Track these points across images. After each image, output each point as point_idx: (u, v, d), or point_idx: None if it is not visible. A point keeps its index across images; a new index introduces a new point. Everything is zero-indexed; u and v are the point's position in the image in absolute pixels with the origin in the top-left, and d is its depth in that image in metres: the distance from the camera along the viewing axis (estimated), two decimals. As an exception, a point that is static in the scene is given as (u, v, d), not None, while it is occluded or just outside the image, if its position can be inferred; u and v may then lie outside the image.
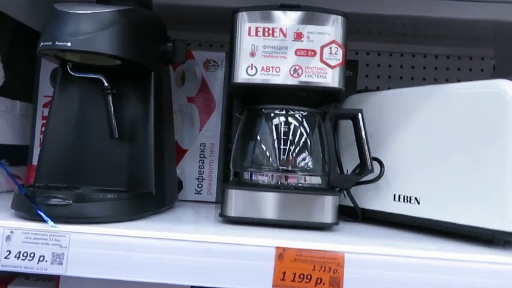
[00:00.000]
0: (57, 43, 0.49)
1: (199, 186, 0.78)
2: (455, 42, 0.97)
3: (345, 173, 0.63)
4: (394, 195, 0.59)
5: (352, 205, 0.62)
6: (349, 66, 0.83)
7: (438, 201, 0.54)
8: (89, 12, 0.50)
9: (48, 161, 0.58)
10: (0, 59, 0.72)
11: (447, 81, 1.01)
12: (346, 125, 0.63)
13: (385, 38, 0.98)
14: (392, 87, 1.01)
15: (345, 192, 0.62)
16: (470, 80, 0.99)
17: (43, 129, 0.73)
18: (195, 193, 0.77)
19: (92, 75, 0.56)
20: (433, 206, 0.54)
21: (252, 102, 0.61)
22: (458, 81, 1.01)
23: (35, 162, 0.74)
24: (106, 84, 0.56)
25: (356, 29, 0.93)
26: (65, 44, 0.48)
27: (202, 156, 0.78)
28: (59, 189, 0.53)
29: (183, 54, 0.64)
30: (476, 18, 0.79)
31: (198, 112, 0.78)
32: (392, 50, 1.02)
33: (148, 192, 0.56)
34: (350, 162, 0.62)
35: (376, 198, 0.61)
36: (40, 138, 0.76)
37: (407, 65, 1.02)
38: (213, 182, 0.78)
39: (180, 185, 0.74)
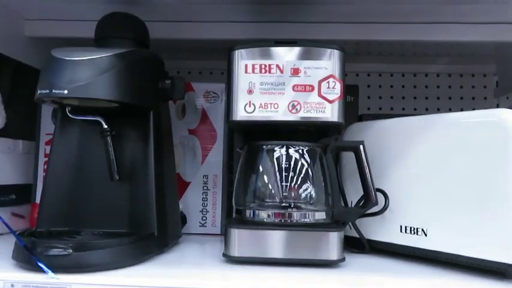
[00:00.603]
0: (54, 91, 0.49)
1: (204, 218, 0.77)
2: (456, 60, 0.97)
3: (350, 204, 0.62)
4: (401, 226, 0.58)
5: (359, 236, 0.61)
6: (350, 91, 0.82)
7: (446, 232, 0.53)
8: (85, 58, 0.50)
9: (50, 205, 0.58)
10: (1, 101, 0.72)
11: (450, 99, 1.01)
12: (349, 154, 0.62)
13: (385, 59, 0.98)
14: (395, 107, 1.02)
15: (350, 223, 0.61)
16: (473, 97, 1.00)
17: (45, 167, 0.73)
18: (200, 226, 0.77)
19: (90, 118, 0.56)
20: (440, 238, 0.53)
21: (252, 137, 0.60)
22: (461, 98, 1.01)
23: (38, 200, 0.73)
24: (105, 126, 0.56)
25: (355, 51, 0.93)
26: (62, 91, 0.49)
27: (205, 188, 0.77)
28: (60, 235, 0.53)
29: (181, 90, 0.64)
30: (474, 40, 0.78)
31: (199, 144, 0.78)
32: (393, 70, 1.01)
33: (150, 234, 0.56)
34: (354, 192, 0.61)
35: (382, 230, 0.60)
36: (43, 176, 0.76)
37: (409, 84, 1.02)
38: (217, 214, 0.77)
39: (183, 220, 0.73)
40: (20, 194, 0.76)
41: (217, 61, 0.96)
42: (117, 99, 0.52)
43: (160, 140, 0.60)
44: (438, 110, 1.00)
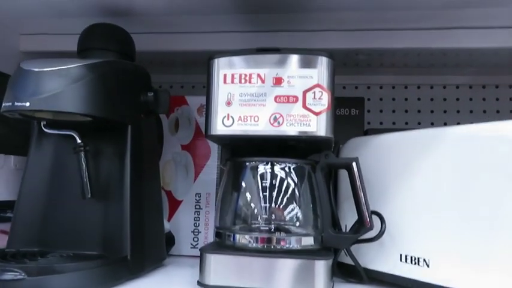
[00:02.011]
0: (16, 103, 0.46)
1: (195, 239, 0.72)
2: (478, 71, 0.89)
3: (344, 228, 0.56)
4: (401, 255, 0.51)
5: (355, 264, 0.54)
6: (355, 104, 0.77)
7: (451, 265, 0.46)
8: (51, 69, 0.48)
9: (22, 224, 0.55)
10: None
11: (471, 112, 0.92)
12: (345, 174, 0.56)
13: (399, 70, 0.91)
14: (410, 122, 0.95)
15: (345, 250, 0.55)
16: (498, 110, 0.91)
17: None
18: (191, 247, 0.72)
19: (64, 132, 0.53)
20: (445, 271, 0.46)
21: (239, 153, 0.56)
22: (484, 112, 0.92)
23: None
24: (79, 141, 0.53)
25: (367, 62, 0.87)
26: (24, 104, 0.46)
27: (197, 207, 0.73)
28: (24, 256, 0.49)
29: (165, 103, 0.60)
30: (498, 47, 0.71)
31: (192, 160, 0.74)
32: (408, 82, 0.95)
33: (122, 258, 0.52)
34: (351, 215, 0.55)
35: (380, 258, 0.53)
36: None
37: (426, 97, 0.94)
38: (209, 234, 0.72)
39: (171, 241, 0.69)
40: (9, 210, 0.74)
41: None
42: (85, 112, 0.49)
43: (139, 157, 0.57)
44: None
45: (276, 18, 0.69)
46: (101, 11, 0.68)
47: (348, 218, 0.57)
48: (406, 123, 0.94)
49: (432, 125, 0.93)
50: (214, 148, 0.73)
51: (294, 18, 0.69)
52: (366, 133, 0.74)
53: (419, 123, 0.93)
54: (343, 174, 0.59)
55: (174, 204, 0.73)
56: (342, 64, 0.87)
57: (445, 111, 0.93)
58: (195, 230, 0.72)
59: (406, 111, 0.94)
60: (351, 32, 0.73)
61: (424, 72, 0.91)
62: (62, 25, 0.74)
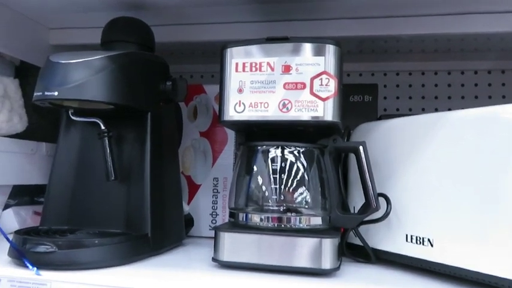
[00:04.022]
0: (46, 93, 0.50)
1: (213, 222, 0.76)
2: (497, 55, 0.88)
3: (353, 210, 0.58)
4: (406, 235, 0.53)
5: (363, 244, 0.57)
6: (368, 91, 0.78)
7: (453, 244, 0.47)
8: (76, 61, 0.52)
9: (53, 204, 0.60)
10: (23, 105, 0.77)
11: (490, 98, 0.92)
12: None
13: (416, 56, 0.91)
14: (427, 108, 0.95)
15: (354, 230, 0.57)
16: None
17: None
18: (210, 229, 0.76)
19: (89, 119, 0.57)
20: (447, 249, 0.48)
21: (252, 138, 0.59)
22: (504, 97, 0.92)
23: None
24: (103, 127, 0.57)
25: (383, 49, 0.87)
26: (53, 93, 0.50)
27: (215, 191, 0.76)
28: (55, 233, 0.54)
29: (183, 92, 0.63)
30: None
31: (210, 146, 0.77)
32: (425, 68, 0.94)
33: (143, 235, 0.56)
34: (360, 197, 0.57)
35: (388, 238, 0.55)
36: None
37: (443, 83, 0.94)
38: (227, 217, 0.75)
39: (190, 223, 0.73)
40: (42, 193, 0.80)
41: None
42: (108, 100, 0.52)
43: (159, 142, 0.60)
44: (477, 111, 0.91)
45: (290, 8, 0.71)
46: (123, 5, 0.72)
47: (357, 201, 0.59)
48: (423, 109, 0.94)
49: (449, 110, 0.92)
50: (231, 135, 0.76)
51: (307, 7, 0.70)
52: (380, 119, 0.75)
53: (436, 110, 0.93)
54: (353, 158, 0.61)
55: (193, 188, 0.77)
56: (358, 51, 0.88)
57: (462, 97, 0.93)
58: (213, 213, 0.76)
59: (423, 97, 0.95)
60: (365, 20, 0.74)
61: (442, 58, 0.91)
62: (87, 19, 0.78)
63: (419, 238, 0.51)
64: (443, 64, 0.93)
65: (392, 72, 0.96)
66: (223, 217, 0.76)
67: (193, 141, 0.78)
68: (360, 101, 0.78)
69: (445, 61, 0.92)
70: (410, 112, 0.94)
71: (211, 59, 0.88)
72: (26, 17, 0.78)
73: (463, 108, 0.94)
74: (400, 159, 0.55)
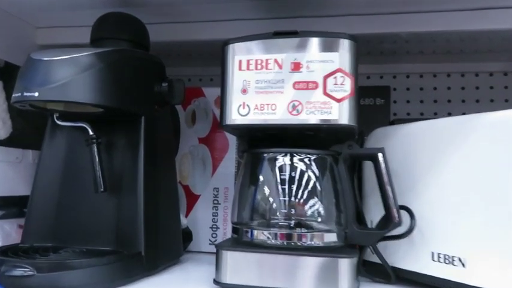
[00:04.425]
0: (25, 94, 0.45)
1: (214, 236, 0.70)
2: (514, 56, 0.83)
3: (370, 224, 0.52)
4: (432, 253, 0.47)
5: (382, 263, 0.51)
6: (381, 93, 0.73)
7: (490, 265, 0.42)
8: (60, 58, 0.46)
9: (35, 218, 0.54)
10: (6, 110, 0.71)
11: (506, 101, 0.86)
12: (371, 165, 0.52)
13: (427, 58, 0.86)
14: (439, 112, 0.90)
15: (372, 247, 0.51)
16: None
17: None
18: (209, 243, 0.70)
19: (76, 124, 0.52)
20: (483, 271, 0.42)
21: (254, 144, 0.53)
22: (521, 101, 0.86)
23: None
24: (91, 133, 0.52)
25: (392, 50, 0.82)
26: (33, 94, 0.44)
27: (215, 202, 0.70)
28: (36, 252, 0.48)
29: (180, 94, 0.58)
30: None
31: (210, 154, 0.71)
32: (437, 71, 0.89)
33: (136, 253, 0.50)
34: (377, 211, 0.51)
35: (410, 256, 0.49)
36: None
37: (456, 86, 0.89)
38: (228, 230, 0.70)
39: (188, 237, 0.67)
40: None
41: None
42: (96, 102, 0.47)
43: (154, 149, 0.55)
44: (492, 115, 0.86)
45: (294, 4, 0.66)
46: (115, 1, 0.66)
47: (374, 214, 0.53)
48: (435, 113, 0.89)
49: (463, 114, 0.87)
50: (233, 141, 0.71)
51: (312, 3, 0.65)
52: (392, 123, 0.70)
53: (449, 114, 0.88)
54: (368, 166, 0.56)
55: (192, 199, 0.71)
56: (366, 53, 0.83)
57: (477, 101, 0.88)
58: (213, 226, 0.70)
59: (435, 101, 0.89)
60: (373, 16, 0.69)
61: (454, 60, 0.86)
62: (77, 17, 0.72)
63: (449, 257, 0.45)
64: (456, 66, 0.88)
65: (402, 74, 0.90)
66: (225, 230, 0.70)
67: (191, 148, 0.72)
68: (372, 105, 0.72)
69: (458, 63, 0.87)
70: (421, 116, 0.88)
71: (210, 61, 0.83)
72: (10, 15, 0.73)
73: (478, 112, 0.89)
74: (422, 167, 0.50)
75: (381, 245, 0.51)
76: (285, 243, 0.47)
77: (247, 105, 0.46)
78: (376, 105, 0.72)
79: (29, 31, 0.76)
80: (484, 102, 0.87)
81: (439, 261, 0.46)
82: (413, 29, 0.69)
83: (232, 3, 0.65)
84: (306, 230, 0.47)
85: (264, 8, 0.67)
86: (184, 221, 0.65)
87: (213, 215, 0.70)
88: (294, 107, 0.45)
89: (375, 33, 0.70)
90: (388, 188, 0.47)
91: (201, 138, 0.72)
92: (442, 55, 0.84)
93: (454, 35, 0.72)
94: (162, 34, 0.72)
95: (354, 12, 0.68)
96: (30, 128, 0.76)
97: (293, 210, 0.48)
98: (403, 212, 0.48)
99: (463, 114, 0.86)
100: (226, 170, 0.70)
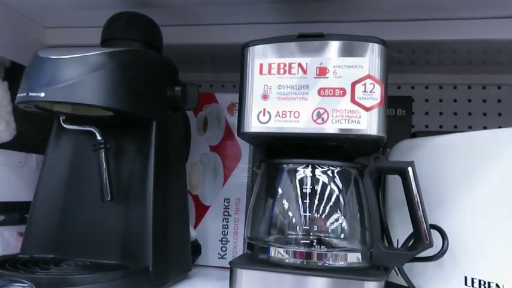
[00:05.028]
0: (30, 94, 0.42)
1: (223, 249, 0.66)
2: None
3: (396, 243, 0.49)
4: (466, 278, 0.43)
5: (408, 286, 0.47)
6: (402, 104, 0.69)
7: (531, 292, 0.38)
8: (69, 56, 0.43)
9: (37, 228, 0.50)
10: (11, 112, 0.68)
11: (530, 115, 0.83)
12: (395, 179, 0.49)
13: (447, 68, 0.83)
14: (460, 125, 0.86)
15: (396, 268, 0.47)
16: None
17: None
18: (219, 257, 0.66)
19: (83, 128, 0.48)
20: (523, 299, 0.38)
21: (275, 154, 0.50)
22: (546, 115, 0.83)
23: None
24: (99, 137, 0.48)
25: (411, 59, 0.79)
26: (38, 94, 0.41)
27: (226, 214, 0.67)
28: (36, 264, 0.45)
29: (194, 99, 0.55)
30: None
31: (221, 162, 0.68)
32: (457, 82, 0.86)
33: (143, 268, 0.46)
34: (402, 228, 0.48)
35: (439, 279, 0.45)
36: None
37: (477, 98, 0.85)
38: (238, 244, 0.66)
39: (197, 250, 0.63)
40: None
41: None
42: (105, 105, 0.43)
43: (164, 157, 0.51)
44: (515, 129, 0.82)
45: (313, 8, 0.63)
46: (126, 2, 0.64)
47: (399, 232, 0.49)
48: (455, 126, 0.85)
49: (485, 129, 0.84)
50: (246, 149, 0.67)
51: (332, 7, 0.62)
52: (414, 136, 0.67)
53: (470, 127, 0.85)
54: (392, 180, 0.52)
55: (201, 209, 0.67)
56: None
57: (499, 114, 0.84)
58: (223, 239, 0.66)
59: (455, 113, 0.86)
60: (393, 23, 0.66)
61: (476, 71, 0.82)
62: (87, 18, 0.70)
63: (485, 282, 0.41)
64: (477, 77, 0.84)
65: (421, 85, 0.87)
66: (235, 244, 0.66)
67: (202, 156, 0.69)
68: (392, 115, 0.69)
69: (479, 74, 0.83)
70: (441, 129, 0.85)
71: (222, 67, 0.80)
72: (19, 14, 0.70)
73: (499, 126, 0.86)
74: (452, 183, 0.46)
75: (406, 267, 0.47)
76: (305, 262, 0.43)
77: (268, 112, 0.43)
78: (396, 116, 0.69)
79: (37, 31, 0.74)
80: (507, 116, 0.84)
81: (473, 287, 0.42)
82: (434, 37, 0.66)
83: (250, 6, 0.62)
84: (327, 249, 0.43)
85: (282, 12, 0.64)
86: (193, 234, 0.62)
87: (223, 227, 0.67)
88: (319, 115, 0.42)
89: (394, 40, 0.67)
90: (419, 206, 0.43)
91: (212, 146, 0.69)
92: (463, 66, 0.81)
93: (476, 45, 0.69)
94: (173, 37, 0.69)
95: (373, 18, 0.65)
96: (35, 131, 0.73)
97: (314, 226, 0.44)
98: (433, 232, 0.44)
99: (484, 127, 0.84)
100: (238, 180, 0.67)
